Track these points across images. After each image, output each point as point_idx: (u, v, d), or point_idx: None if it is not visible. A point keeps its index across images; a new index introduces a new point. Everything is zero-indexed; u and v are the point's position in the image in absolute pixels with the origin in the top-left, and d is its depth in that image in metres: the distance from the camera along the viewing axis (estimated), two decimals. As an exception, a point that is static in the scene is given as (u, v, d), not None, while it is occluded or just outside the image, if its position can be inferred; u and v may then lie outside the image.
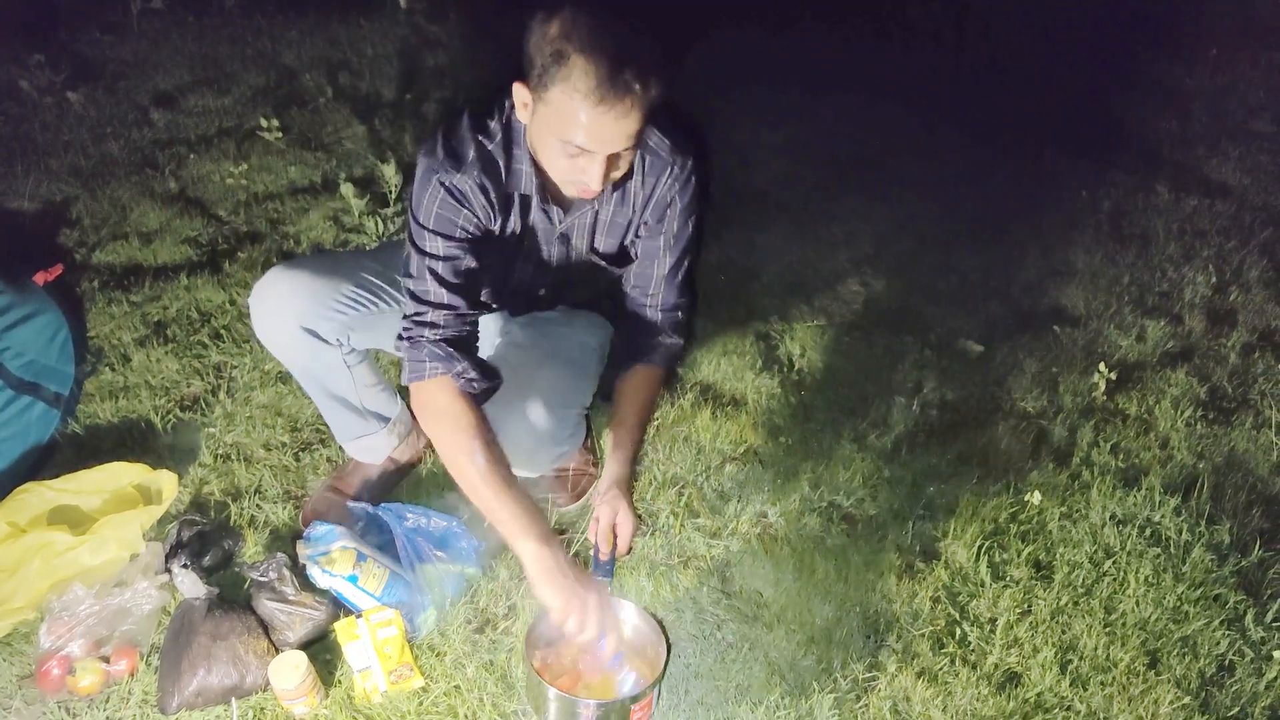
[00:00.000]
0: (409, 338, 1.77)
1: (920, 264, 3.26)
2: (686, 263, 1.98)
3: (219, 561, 2.06)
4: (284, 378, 2.59)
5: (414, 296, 1.76)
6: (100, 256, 3.18)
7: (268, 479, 2.31)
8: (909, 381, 2.69)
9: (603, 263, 1.96)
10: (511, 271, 1.95)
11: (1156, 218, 3.52)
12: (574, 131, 1.57)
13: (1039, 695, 1.86)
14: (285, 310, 1.89)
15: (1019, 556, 2.14)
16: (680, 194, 1.87)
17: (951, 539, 2.18)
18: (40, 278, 2.69)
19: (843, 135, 4.02)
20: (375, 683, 1.81)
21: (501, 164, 1.75)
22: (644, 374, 1.99)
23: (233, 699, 1.80)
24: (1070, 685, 1.88)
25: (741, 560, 2.13)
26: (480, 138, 1.73)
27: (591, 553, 1.86)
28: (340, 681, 1.86)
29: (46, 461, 2.36)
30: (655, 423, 2.47)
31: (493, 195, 1.75)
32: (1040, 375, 2.73)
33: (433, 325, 1.74)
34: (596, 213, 1.87)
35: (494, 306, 2.10)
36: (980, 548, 2.14)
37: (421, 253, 1.75)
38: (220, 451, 2.40)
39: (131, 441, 2.43)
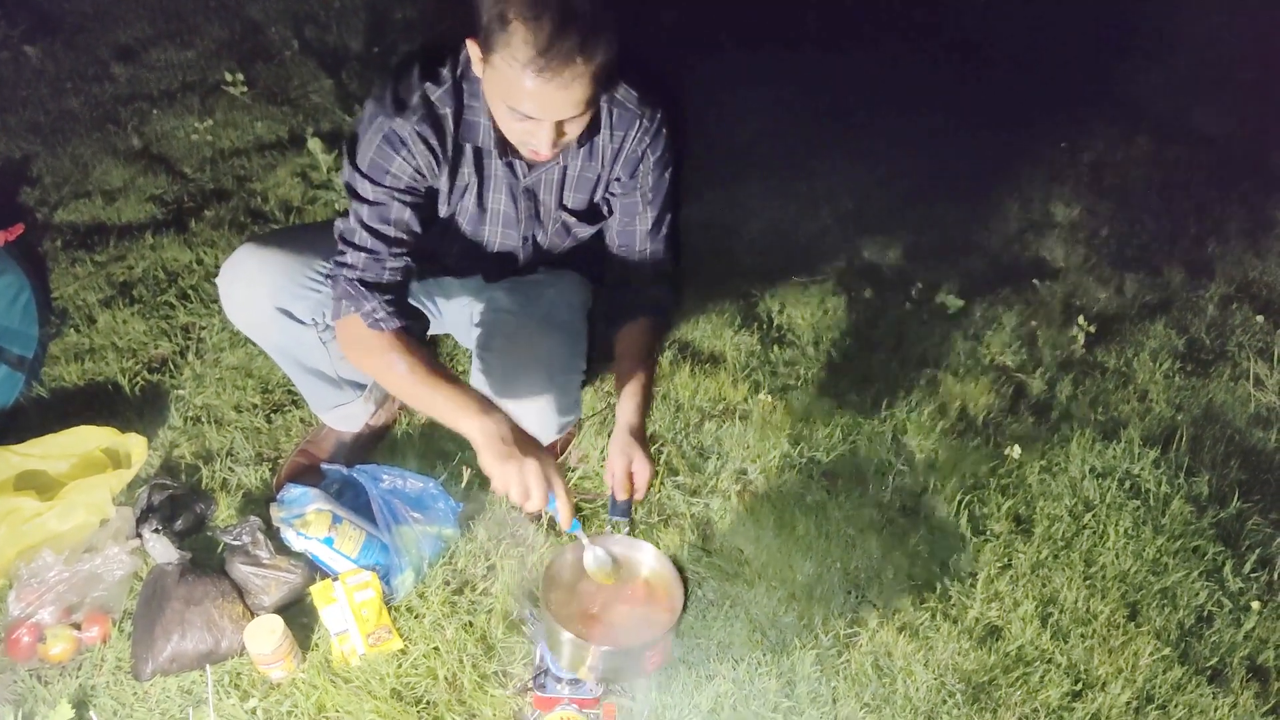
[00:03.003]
0: (329, 275, 1.76)
1: (900, 219, 3.23)
2: (669, 217, 1.93)
3: (191, 526, 2.03)
4: (254, 338, 2.54)
5: (340, 235, 1.74)
6: (62, 215, 3.10)
7: (239, 441, 2.27)
8: (889, 337, 2.67)
9: (573, 220, 1.91)
10: (481, 230, 1.90)
11: (1137, 169, 3.50)
12: (518, 98, 1.51)
13: (1020, 648, 1.87)
14: (257, 291, 1.84)
15: (999, 511, 2.14)
16: (652, 147, 1.82)
17: (931, 494, 2.18)
18: (0, 238, 2.62)
19: (823, 91, 3.96)
20: (353, 646, 1.79)
21: (449, 113, 1.69)
22: (641, 325, 1.92)
23: (207, 664, 1.78)
24: (1051, 638, 1.89)
25: (722, 518, 2.12)
26: (428, 84, 1.68)
27: (609, 494, 1.81)
28: (317, 645, 1.85)
29: (11, 426, 2.30)
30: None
31: (435, 144, 1.70)
32: (1019, 329, 2.72)
33: (350, 266, 1.71)
34: (564, 168, 1.82)
35: (465, 271, 2.05)
36: (960, 502, 2.14)
37: (351, 193, 1.72)
38: (190, 414, 2.35)
39: (99, 404, 2.38)
